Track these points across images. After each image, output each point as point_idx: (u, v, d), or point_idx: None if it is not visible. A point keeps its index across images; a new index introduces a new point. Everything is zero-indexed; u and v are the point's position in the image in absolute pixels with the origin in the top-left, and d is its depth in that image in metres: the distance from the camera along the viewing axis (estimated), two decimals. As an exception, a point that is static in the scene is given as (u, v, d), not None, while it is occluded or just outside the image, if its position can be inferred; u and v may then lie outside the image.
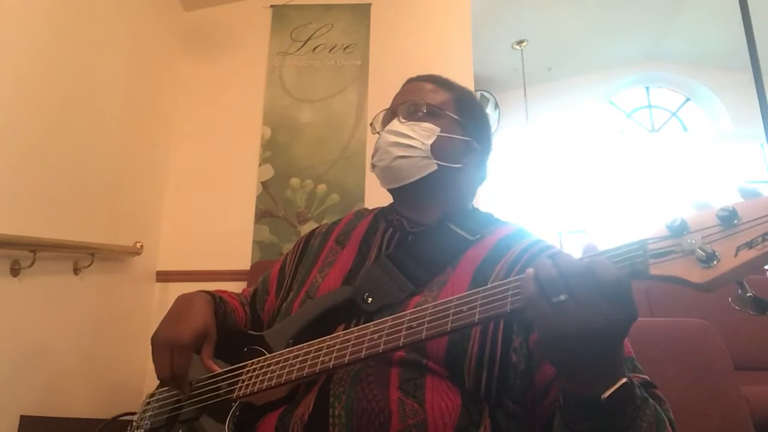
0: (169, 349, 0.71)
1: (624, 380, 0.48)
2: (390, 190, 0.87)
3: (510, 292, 0.50)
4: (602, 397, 0.47)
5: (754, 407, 1.29)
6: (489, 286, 0.53)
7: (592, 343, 0.46)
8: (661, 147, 4.71)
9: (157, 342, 0.73)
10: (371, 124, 0.91)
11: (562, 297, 0.46)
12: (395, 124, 0.83)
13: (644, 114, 4.94)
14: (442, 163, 0.81)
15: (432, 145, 0.81)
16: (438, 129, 0.82)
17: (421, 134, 0.81)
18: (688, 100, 4.88)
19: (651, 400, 0.54)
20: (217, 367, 0.73)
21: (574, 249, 4.08)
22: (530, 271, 0.49)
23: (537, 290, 0.47)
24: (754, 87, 1.95)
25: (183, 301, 0.79)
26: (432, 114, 0.83)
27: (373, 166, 0.85)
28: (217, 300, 0.83)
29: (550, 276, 0.47)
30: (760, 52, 1.97)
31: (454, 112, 0.85)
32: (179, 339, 0.71)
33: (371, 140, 2.31)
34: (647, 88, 4.95)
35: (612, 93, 4.91)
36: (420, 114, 0.83)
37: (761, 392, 1.44)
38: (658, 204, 4.39)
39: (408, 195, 0.84)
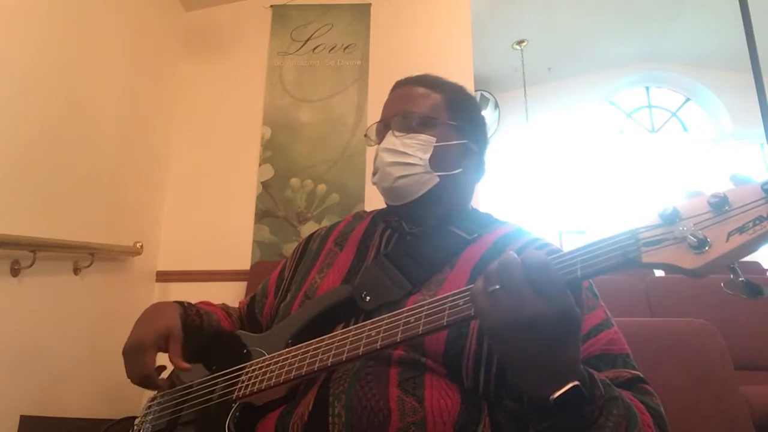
0: (134, 354, 0.74)
1: (574, 383, 0.47)
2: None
3: None
4: (551, 398, 0.47)
5: (754, 407, 1.29)
6: None
7: (525, 337, 0.46)
8: (661, 147, 4.71)
9: (124, 352, 0.76)
10: (366, 135, 0.90)
11: (497, 286, 0.47)
12: (390, 140, 0.81)
13: (644, 114, 4.93)
14: (442, 174, 0.81)
15: (430, 158, 0.79)
16: (434, 139, 0.80)
17: (418, 148, 0.79)
18: (688, 100, 4.88)
19: (622, 399, 0.53)
20: (186, 365, 0.74)
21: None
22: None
23: (480, 282, 0.49)
24: (754, 87, 1.95)
25: (147, 310, 0.82)
26: (425, 124, 0.81)
27: (376, 183, 0.84)
28: (185, 305, 0.85)
29: (491, 267, 0.48)
30: (760, 52, 1.97)
31: (448, 116, 0.83)
32: (140, 341, 0.74)
33: (371, 140, 2.33)
34: (647, 88, 4.95)
35: (612, 93, 4.91)
36: (413, 125, 0.81)
37: (761, 392, 1.44)
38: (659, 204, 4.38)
39: (411, 208, 0.83)
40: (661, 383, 0.65)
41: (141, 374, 0.74)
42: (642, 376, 0.63)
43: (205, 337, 0.83)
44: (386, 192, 0.83)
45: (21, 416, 1.40)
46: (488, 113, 4.41)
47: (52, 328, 1.57)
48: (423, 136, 0.80)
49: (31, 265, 1.41)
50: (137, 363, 0.74)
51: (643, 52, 4.55)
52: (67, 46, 1.65)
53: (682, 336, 1.06)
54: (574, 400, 0.47)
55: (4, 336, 1.38)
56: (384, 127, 0.84)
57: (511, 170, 4.56)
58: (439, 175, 0.81)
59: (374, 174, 0.83)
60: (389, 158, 0.80)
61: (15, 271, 1.40)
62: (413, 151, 0.79)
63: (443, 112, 0.83)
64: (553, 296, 0.46)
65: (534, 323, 0.46)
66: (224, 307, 0.96)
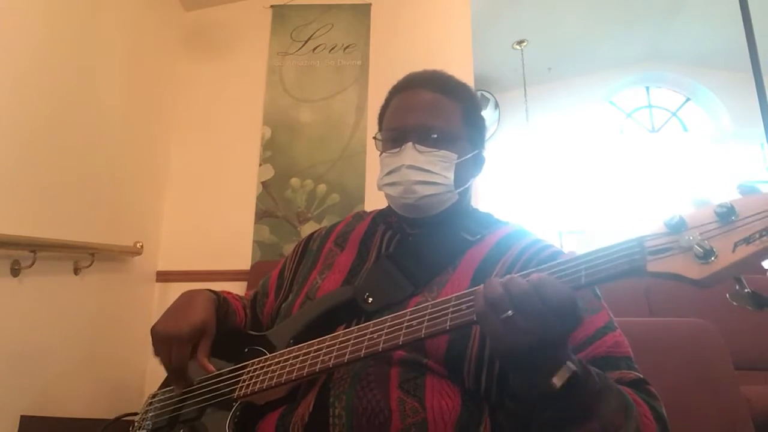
0: (168, 342, 0.73)
1: (573, 369, 0.50)
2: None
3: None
4: (555, 385, 0.49)
5: (754, 407, 1.28)
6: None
7: (544, 351, 0.50)
8: (661, 147, 4.71)
9: (156, 333, 0.74)
10: (375, 138, 0.86)
11: (510, 313, 0.49)
12: (414, 156, 0.77)
13: (644, 114, 4.93)
14: (461, 190, 0.81)
15: (453, 177, 0.79)
16: (455, 156, 0.79)
17: (442, 167, 0.78)
18: (688, 100, 4.87)
19: (618, 388, 0.56)
20: (211, 367, 0.73)
21: (573, 249, 4.08)
22: (480, 288, 0.52)
23: (486, 307, 0.50)
24: (754, 87, 1.95)
25: (186, 297, 0.80)
26: (447, 139, 0.79)
27: (390, 194, 0.81)
28: (220, 300, 0.84)
29: (496, 294, 0.50)
30: (760, 52, 1.97)
31: (465, 129, 0.81)
32: (178, 332, 0.72)
33: (371, 140, 2.32)
34: (647, 88, 4.95)
35: (612, 93, 4.90)
36: (435, 139, 0.78)
37: (761, 392, 1.44)
38: (658, 204, 4.39)
39: (424, 219, 0.82)
40: (661, 383, 0.65)
41: (176, 365, 0.72)
42: (644, 378, 0.64)
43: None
44: (405, 207, 0.80)
45: (21, 416, 1.40)
46: (488, 113, 4.41)
47: (52, 328, 1.57)
48: (444, 152, 0.78)
49: (31, 265, 1.41)
50: (172, 352, 0.72)
51: (643, 52, 4.55)
52: (66, 46, 1.65)
53: (682, 336, 1.06)
54: (576, 385, 0.50)
55: (4, 336, 1.38)
56: (401, 135, 0.80)
57: (511, 170, 4.56)
58: (458, 192, 0.81)
59: (394, 185, 0.79)
60: (415, 176, 0.77)
61: (15, 271, 1.40)
62: (438, 169, 0.77)
63: (461, 125, 0.81)
64: (565, 312, 0.48)
65: (556, 341, 0.50)
66: (244, 304, 0.95)
